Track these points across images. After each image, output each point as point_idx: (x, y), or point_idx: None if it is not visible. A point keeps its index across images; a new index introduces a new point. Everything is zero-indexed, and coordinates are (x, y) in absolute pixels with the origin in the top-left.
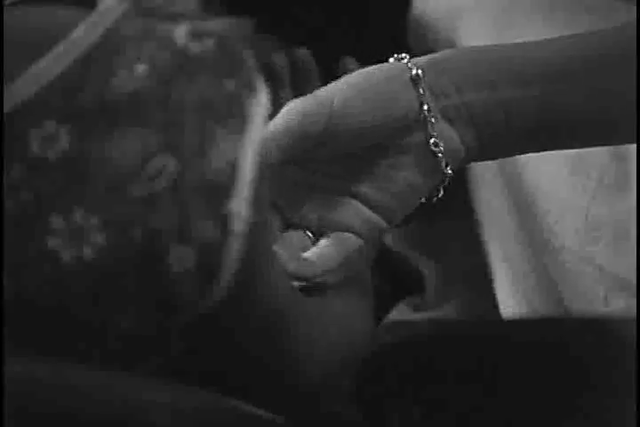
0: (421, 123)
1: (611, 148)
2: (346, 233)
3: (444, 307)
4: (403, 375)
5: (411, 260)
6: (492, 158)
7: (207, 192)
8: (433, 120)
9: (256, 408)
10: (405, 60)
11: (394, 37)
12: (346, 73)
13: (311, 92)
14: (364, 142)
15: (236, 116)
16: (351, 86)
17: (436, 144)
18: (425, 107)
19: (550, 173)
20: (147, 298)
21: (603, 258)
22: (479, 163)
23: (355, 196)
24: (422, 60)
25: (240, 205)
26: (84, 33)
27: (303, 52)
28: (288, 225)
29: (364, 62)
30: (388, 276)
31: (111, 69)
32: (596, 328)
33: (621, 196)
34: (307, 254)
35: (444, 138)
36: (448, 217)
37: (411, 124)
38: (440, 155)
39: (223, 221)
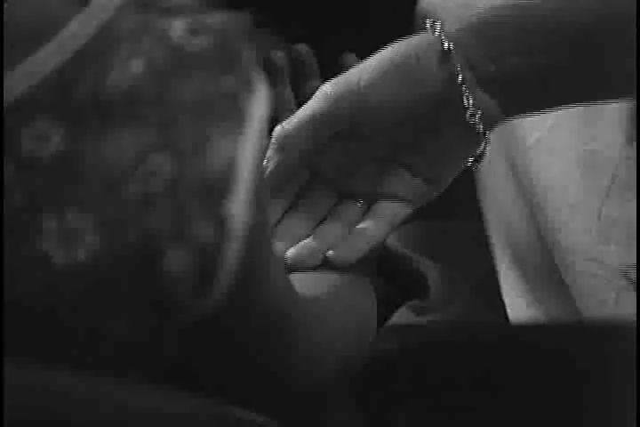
0: (457, 95)
1: (624, 146)
2: (395, 202)
3: (448, 310)
4: (405, 381)
5: (414, 261)
6: (524, 116)
7: (204, 192)
8: (468, 92)
9: (250, 413)
10: (437, 31)
11: (399, 32)
12: (346, 70)
13: (311, 90)
14: (400, 118)
15: (234, 114)
16: (379, 65)
17: (473, 114)
18: (459, 79)
19: (561, 170)
20: (142, 302)
21: (614, 258)
22: (490, 160)
23: (402, 165)
24: (452, 29)
25: (238, 206)
26: (78, 28)
27: (303, 49)
28: (339, 195)
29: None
30: (389, 278)
31: (106, 66)
32: (608, 333)
33: (634, 195)
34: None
35: (481, 107)
36: (454, 217)
37: (446, 96)
38: (478, 123)
39: (221, 222)
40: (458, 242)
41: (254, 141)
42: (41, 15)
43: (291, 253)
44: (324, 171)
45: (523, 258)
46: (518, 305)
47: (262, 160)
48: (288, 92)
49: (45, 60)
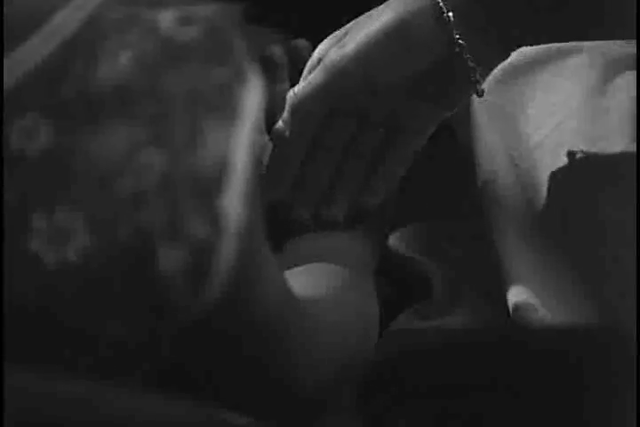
0: (457, 57)
1: (628, 146)
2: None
3: (452, 314)
4: (407, 386)
5: (417, 263)
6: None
7: (198, 188)
8: (468, 54)
9: (246, 418)
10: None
11: None
12: None
13: None
14: (402, 86)
15: (227, 107)
16: (378, 37)
17: (474, 72)
18: (459, 44)
19: None
20: (135, 302)
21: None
22: (493, 160)
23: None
24: None
25: (233, 202)
26: (65, 19)
27: (302, 44)
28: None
29: None
30: (392, 281)
31: (94, 58)
32: (617, 338)
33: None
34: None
35: (480, 60)
36: (457, 217)
37: (445, 59)
38: (479, 78)
39: (215, 219)
40: (461, 243)
41: (248, 134)
42: (26, 7)
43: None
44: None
45: (529, 260)
46: (525, 309)
47: (257, 154)
48: (286, 88)
49: (31, 53)
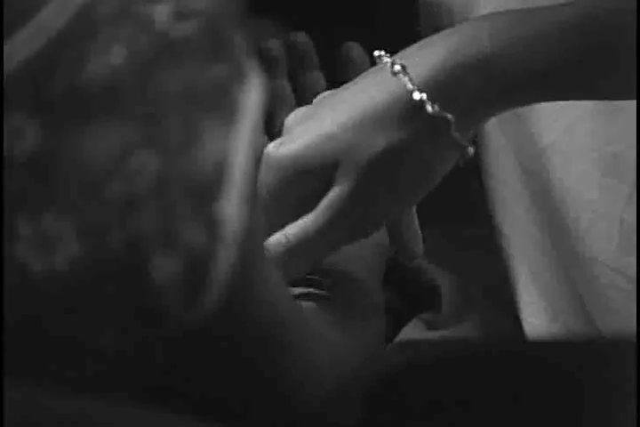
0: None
1: None
2: None
3: (461, 325)
4: (416, 399)
5: (425, 272)
6: None
7: (194, 193)
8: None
9: None
10: (405, 81)
11: (402, 20)
12: (349, 61)
13: (310, 82)
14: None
15: (225, 107)
16: (351, 129)
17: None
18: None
19: (580, 174)
20: (127, 312)
21: (634, 271)
22: (501, 163)
23: None
24: (421, 77)
25: (231, 208)
26: (54, 13)
27: (302, 38)
28: None
29: (370, 48)
30: (399, 289)
31: (84, 54)
32: (629, 352)
33: None
34: None
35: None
36: (467, 224)
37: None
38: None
39: (212, 225)
40: (470, 249)
41: (247, 136)
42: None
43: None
44: None
45: (539, 271)
46: (535, 320)
47: (256, 157)
48: (286, 85)
49: (17, 48)
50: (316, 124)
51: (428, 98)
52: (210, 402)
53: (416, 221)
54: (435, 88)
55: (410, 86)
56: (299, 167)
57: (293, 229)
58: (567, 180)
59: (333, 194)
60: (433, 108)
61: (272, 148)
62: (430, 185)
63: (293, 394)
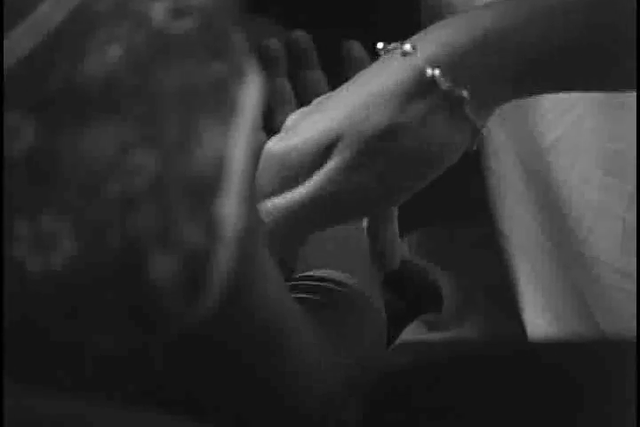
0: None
1: None
2: None
3: (463, 326)
4: (418, 401)
5: (426, 273)
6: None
7: (192, 192)
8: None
9: None
10: (416, 59)
11: (403, 19)
12: (350, 60)
13: (310, 81)
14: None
15: (223, 105)
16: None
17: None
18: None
19: (583, 173)
20: (125, 313)
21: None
22: (502, 162)
23: None
24: (432, 55)
25: (230, 207)
26: (50, 10)
27: (302, 36)
28: None
29: (371, 47)
30: (400, 290)
31: (80, 52)
32: (632, 353)
33: None
34: None
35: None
36: (469, 225)
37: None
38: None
39: (211, 225)
40: (471, 250)
41: (246, 135)
42: None
43: None
44: None
45: (541, 271)
46: (537, 321)
47: (255, 156)
48: (285, 83)
49: (13, 46)
50: (318, 117)
51: (440, 74)
52: (208, 404)
53: (396, 232)
54: (447, 65)
55: (421, 63)
56: (298, 160)
57: (282, 200)
58: (569, 179)
59: (328, 165)
60: (446, 83)
61: (272, 143)
62: (436, 168)
63: (293, 395)
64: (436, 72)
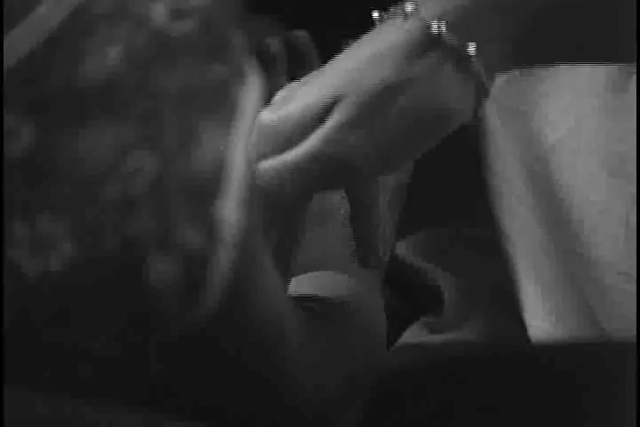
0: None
1: None
2: None
3: (464, 328)
4: (417, 405)
5: (427, 274)
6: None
7: (191, 193)
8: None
9: None
10: (421, 16)
11: None
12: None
13: None
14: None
15: (223, 106)
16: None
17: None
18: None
19: (586, 174)
20: (123, 316)
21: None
22: (504, 163)
23: None
24: (436, 13)
25: (229, 209)
26: (50, 10)
27: (301, 35)
28: None
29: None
30: (400, 292)
31: (80, 53)
32: (636, 355)
33: None
34: None
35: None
36: (470, 225)
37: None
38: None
39: (210, 228)
40: (473, 251)
41: (246, 137)
42: None
43: None
44: None
45: (543, 274)
46: (539, 323)
47: (255, 158)
48: (285, 83)
49: (13, 46)
50: (314, 84)
51: (446, 29)
52: (208, 405)
53: (382, 223)
54: (451, 23)
55: (427, 19)
56: (294, 125)
57: (276, 161)
58: (572, 180)
59: (327, 125)
60: (452, 39)
61: (264, 115)
62: (441, 127)
63: (293, 396)
64: (442, 27)
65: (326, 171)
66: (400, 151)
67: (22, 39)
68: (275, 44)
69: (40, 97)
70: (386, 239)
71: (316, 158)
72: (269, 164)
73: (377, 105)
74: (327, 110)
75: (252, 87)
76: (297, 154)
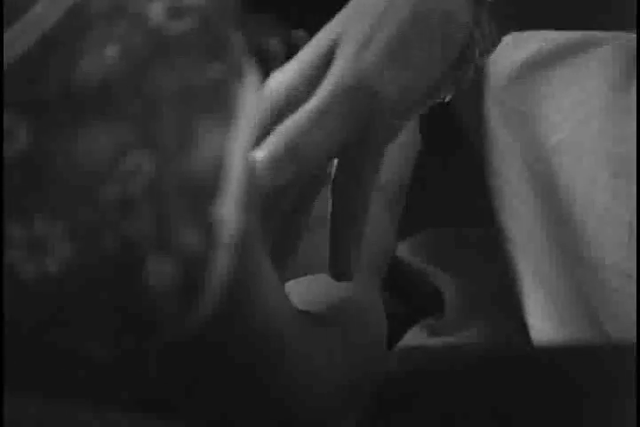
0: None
1: None
2: None
3: (465, 330)
4: (418, 409)
5: (427, 275)
6: None
7: (190, 194)
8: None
9: None
10: None
11: None
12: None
13: None
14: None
15: (221, 106)
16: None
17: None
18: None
19: (588, 175)
20: (120, 318)
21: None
22: (507, 164)
23: None
24: None
25: (228, 209)
26: (46, 9)
27: (301, 35)
28: None
29: None
30: (401, 294)
31: (77, 52)
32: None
33: None
34: None
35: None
36: (472, 227)
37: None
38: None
39: (208, 229)
40: (475, 253)
41: (245, 137)
42: None
43: None
44: None
45: (546, 276)
46: (541, 326)
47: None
48: None
49: (9, 46)
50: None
51: None
52: (206, 409)
53: (361, 238)
54: None
55: None
56: (295, 85)
57: (288, 121)
58: (575, 181)
59: (331, 71)
60: None
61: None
62: (444, 58)
63: (292, 400)
64: None
65: (353, 100)
66: (415, 67)
67: (19, 38)
68: (274, 43)
69: (37, 97)
70: (374, 251)
71: (337, 94)
72: (281, 128)
73: (378, 24)
74: (331, 52)
75: (250, 86)
76: (306, 110)
